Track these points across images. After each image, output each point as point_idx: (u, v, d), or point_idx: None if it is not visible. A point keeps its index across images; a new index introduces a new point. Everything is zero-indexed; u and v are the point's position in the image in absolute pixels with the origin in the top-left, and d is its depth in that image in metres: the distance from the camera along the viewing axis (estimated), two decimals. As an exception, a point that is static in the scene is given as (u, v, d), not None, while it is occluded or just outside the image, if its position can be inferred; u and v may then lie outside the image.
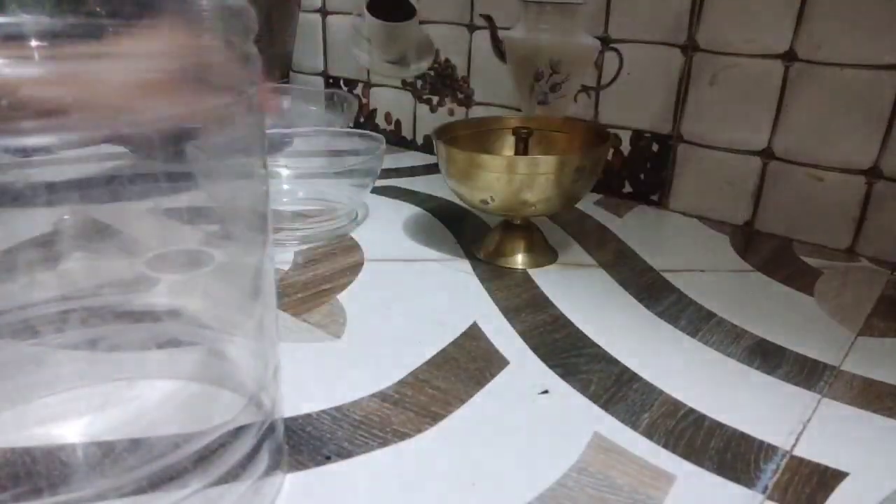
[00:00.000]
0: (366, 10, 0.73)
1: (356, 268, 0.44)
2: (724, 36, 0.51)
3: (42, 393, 0.29)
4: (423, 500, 0.25)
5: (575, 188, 0.42)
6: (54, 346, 0.30)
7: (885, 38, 0.45)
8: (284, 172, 0.51)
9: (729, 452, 0.27)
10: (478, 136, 0.48)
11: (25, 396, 0.29)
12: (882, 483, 0.26)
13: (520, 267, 0.44)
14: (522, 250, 0.45)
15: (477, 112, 0.67)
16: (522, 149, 0.47)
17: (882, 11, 0.45)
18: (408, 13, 0.72)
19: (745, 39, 0.51)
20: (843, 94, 0.48)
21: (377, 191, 0.59)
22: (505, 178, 0.40)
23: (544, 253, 0.45)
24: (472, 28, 0.65)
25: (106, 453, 0.25)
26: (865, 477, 0.26)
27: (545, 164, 0.40)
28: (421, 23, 0.70)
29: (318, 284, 0.41)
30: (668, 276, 0.44)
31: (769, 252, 0.49)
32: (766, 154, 0.52)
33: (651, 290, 0.42)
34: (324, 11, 0.79)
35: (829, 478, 0.26)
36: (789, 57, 0.49)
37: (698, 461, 0.27)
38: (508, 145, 0.48)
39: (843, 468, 0.27)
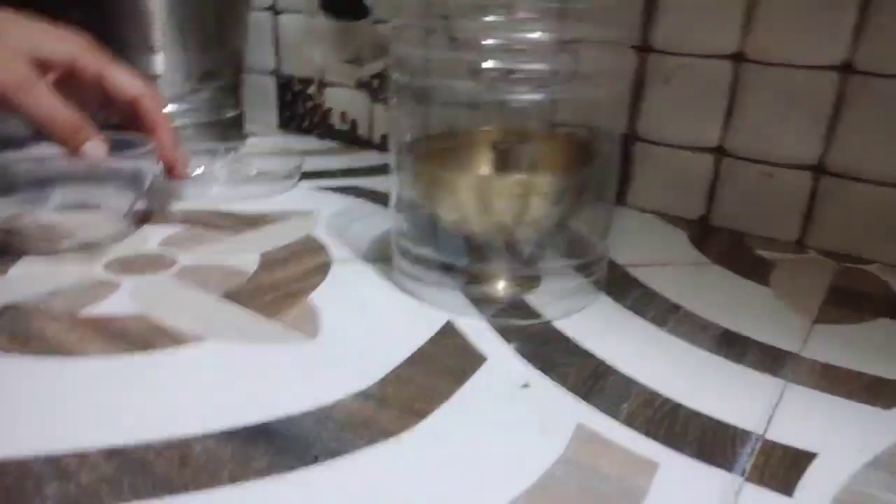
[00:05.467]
0: (320, 10, 0.72)
1: (324, 268, 0.43)
2: (677, 37, 0.53)
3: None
4: (415, 496, 0.25)
5: (559, 210, 0.39)
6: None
7: (827, 39, 0.48)
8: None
9: (706, 438, 0.28)
10: (456, 151, 0.44)
11: None
12: (849, 461, 0.27)
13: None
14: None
15: (436, 110, 0.67)
16: (502, 164, 0.43)
17: (824, 15, 0.47)
18: (362, 12, 0.72)
19: (697, 40, 0.52)
20: (790, 94, 0.50)
21: (338, 190, 0.59)
22: (476, 200, 0.38)
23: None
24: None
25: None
26: (833, 456, 0.28)
27: (519, 184, 0.38)
28: (375, 22, 0.69)
29: (287, 285, 0.40)
30: (631, 270, 0.45)
31: (725, 245, 0.51)
32: (719, 151, 0.54)
33: (617, 284, 0.43)
34: (275, 10, 0.78)
35: (801, 459, 0.27)
36: (739, 58, 0.51)
37: (679, 448, 0.28)
38: (488, 160, 0.44)
39: (812, 449, 0.28)
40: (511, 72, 0.43)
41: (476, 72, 0.42)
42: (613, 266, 0.46)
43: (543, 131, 0.44)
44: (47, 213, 0.47)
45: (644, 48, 0.55)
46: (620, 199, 0.59)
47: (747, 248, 0.51)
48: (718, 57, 0.52)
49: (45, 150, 0.44)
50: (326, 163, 0.68)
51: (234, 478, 0.25)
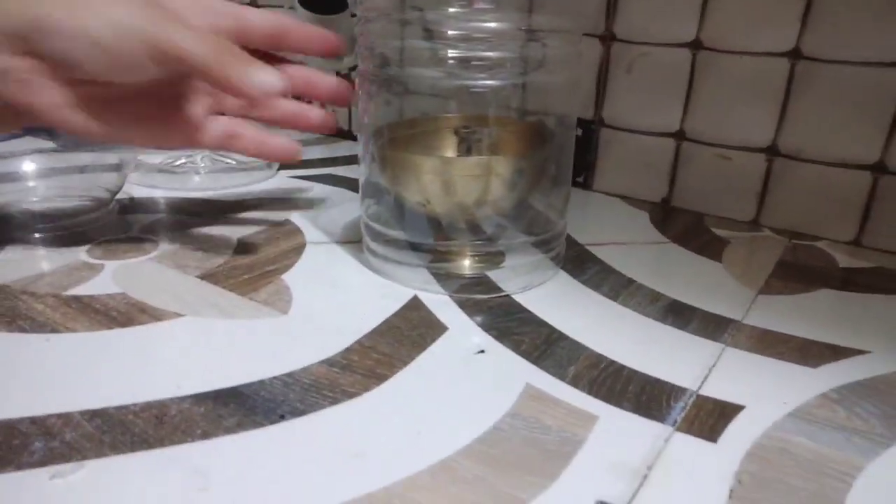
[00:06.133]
0: (297, 3, 0.74)
1: (299, 250, 0.45)
2: (638, 27, 0.55)
3: None
4: (375, 448, 0.27)
5: (517, 190, 0.42)
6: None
7: (777, 27, 0.50)
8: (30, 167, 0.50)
9: (644, 395, 0.31)
10: (421, 137, 0.47)
11: None
12: (772, 413, 0.30)
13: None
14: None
15: (412, 101, 0.70)
16: (466, 149, 0.46)
17: (774, 3, 0.50)
18: (340, 6, 0.74)
19: (657, 30, 0.55)
20: (744, 80, 0.52)
21: (316, 178, 0.61)
22: (439, 182, 0.40)
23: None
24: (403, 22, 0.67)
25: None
26: (759, 408, 0.30)
27: (480, 165, 0.40)
28: (353, 15, 0.71)
29: (262, 266, 0.43)
30: (592, 248, 0.48)
31: (683, 225, 0.53)
32: (679, 136, 0.56)
33: (577, 261, 0.45)
34: (254, 3, 0.80)
35: (729, 411, 0.30)
36: (696, 46, 0.54)
37: (617, 403, 0.30)
38: (452, 145, 0.47)
39: (740, 402, 0.30)
40: (478, 59, 0.45)
41: (441, 60, 0.44)
42: (575, 245, 0.48)
43: (504, 117, 0.46)
44: (32, 202, 0.49)
45: (607, 38, 0.57)
46: (587, 183, 0.61)
47: (705, 228, 0.53)
48: (677, 45, 0.54)
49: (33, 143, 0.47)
50: (305, 153, 0.70)
51: (206, 434, 0.27)
